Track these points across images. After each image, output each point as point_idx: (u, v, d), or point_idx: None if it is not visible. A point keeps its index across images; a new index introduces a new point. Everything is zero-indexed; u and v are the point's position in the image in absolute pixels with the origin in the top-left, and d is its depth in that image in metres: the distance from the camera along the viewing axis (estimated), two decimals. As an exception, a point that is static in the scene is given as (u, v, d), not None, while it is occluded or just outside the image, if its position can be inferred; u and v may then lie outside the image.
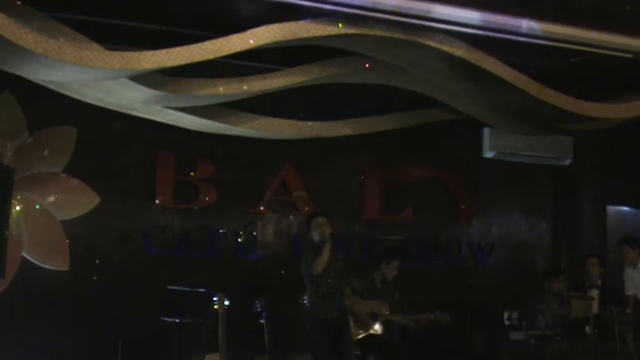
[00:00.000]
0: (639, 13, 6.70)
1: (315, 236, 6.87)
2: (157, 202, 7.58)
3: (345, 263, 7.01)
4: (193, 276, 7.35)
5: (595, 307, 7.67)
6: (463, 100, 7.87)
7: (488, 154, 8.61)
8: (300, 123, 7.68)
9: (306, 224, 7.09)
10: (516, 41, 6.58)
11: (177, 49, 5.95)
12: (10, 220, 6.52)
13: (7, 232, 6.38)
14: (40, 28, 5.60)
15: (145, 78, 6.31)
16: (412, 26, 6.33)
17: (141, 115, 7.17)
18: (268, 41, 6.13)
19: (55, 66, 5.72)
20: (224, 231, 7.83)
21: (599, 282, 7.95)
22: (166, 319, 6.94)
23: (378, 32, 6.36)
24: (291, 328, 7.23)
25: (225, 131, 7.49)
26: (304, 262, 6.84)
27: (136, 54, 5.84)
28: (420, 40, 6.49)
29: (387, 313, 7.48)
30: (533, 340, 7.52)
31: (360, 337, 7.29)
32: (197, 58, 6.05)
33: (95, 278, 7.17)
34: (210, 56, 6.07)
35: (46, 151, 7.14)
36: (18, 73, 6.12)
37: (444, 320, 7.53)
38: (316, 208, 7.86)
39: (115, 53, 5.81)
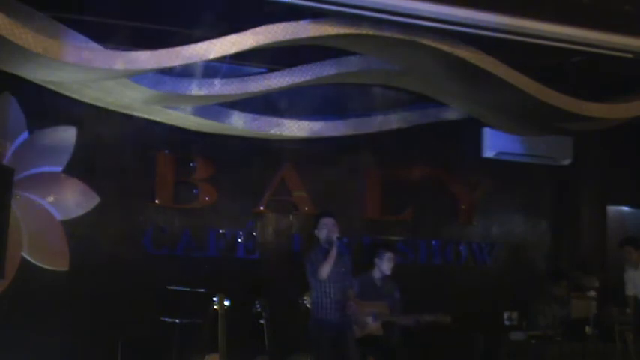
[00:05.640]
0: (639, 13, 6.70)
1: (322, 236, 6.87)
2: (156, 202, 7.57)
3: (349, 263, 7.02)
4: (193, 276, 7.35)
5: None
6: (463, 100, 7.87)
7: (488, 154, 8.62)
8: (300, 122, 7.68)
9: (313, 222, 7.11)
10: (516, 41, 6.58)
11: (178, 49, 5.95)
12: (10, 220, 6.52)
13: (7, 232, 6.38)
14: (40, 28, 5.59)
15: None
16: (412, 26, 6.33)
17: (141, 115, 7.18)
18: (268, 41, 6.13)
19: (55, 66, 5.72)
20: (224, 231, 7.83)
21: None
22: (166, 319, 6.94)
23: (378, 32, 6.36)
24: (291, 328, 7.23)
25: (225, 131, 7.50)
26: (309, 262, 6.85)
27: (136, 54, 5.84)
28: (419, 40, 6.49)
29: (387, 313, 7.49)
30: (533, 340, 7.54)
31: (360, 337, 7.29)
32: (197, 58, 6.06)
33: (95, 278, 7.16)
34: (211, 56, 6.07)
35: (46, 151, 7.13)
36: (18, 73, 6.12)
37: (445, 321, 7.53)
38: (316, 208, 7.88)
39: (115, 53, 5.82)
